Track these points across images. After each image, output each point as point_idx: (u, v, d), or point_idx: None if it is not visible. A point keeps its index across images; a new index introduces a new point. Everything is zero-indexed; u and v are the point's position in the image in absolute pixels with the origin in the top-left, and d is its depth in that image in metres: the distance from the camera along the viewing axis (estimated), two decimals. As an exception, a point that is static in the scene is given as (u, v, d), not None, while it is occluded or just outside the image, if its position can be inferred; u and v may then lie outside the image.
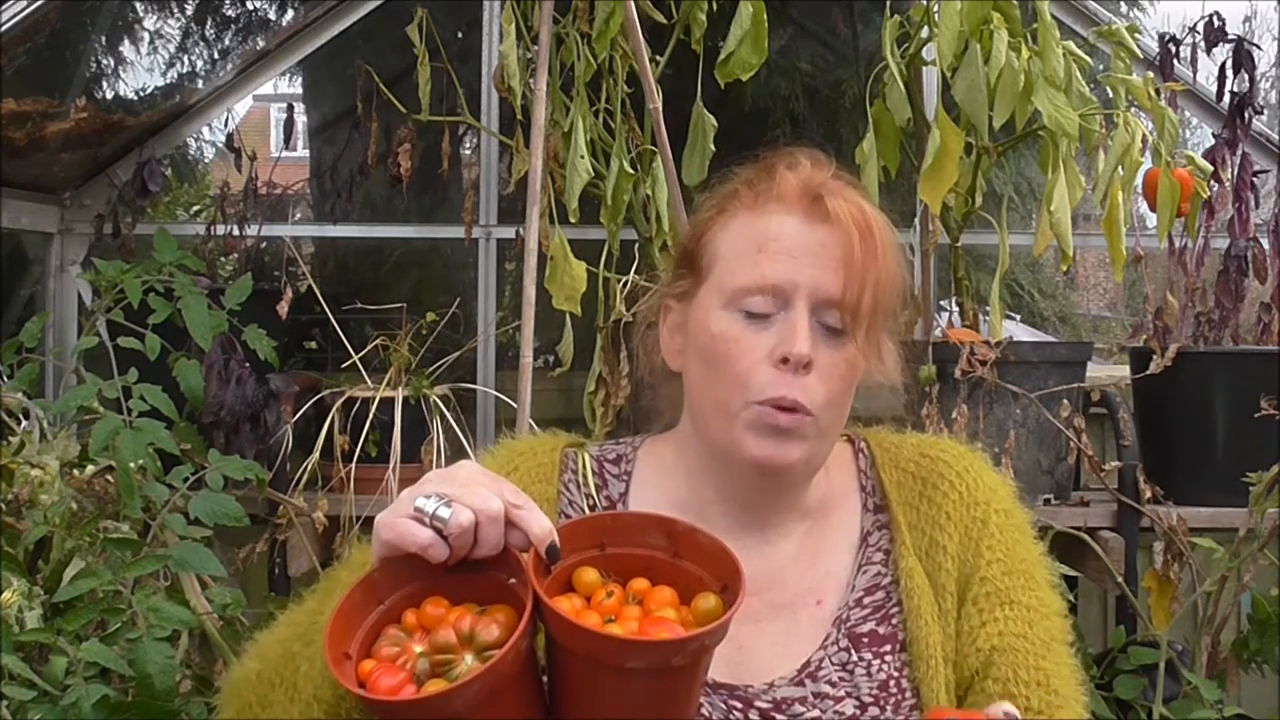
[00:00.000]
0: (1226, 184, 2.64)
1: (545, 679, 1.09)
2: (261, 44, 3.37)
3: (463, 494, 1.05)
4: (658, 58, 2.44)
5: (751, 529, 1.27)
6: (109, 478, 1.98)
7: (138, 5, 3.25)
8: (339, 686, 1.02)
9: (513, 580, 1.05)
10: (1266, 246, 2.63)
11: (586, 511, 1.29)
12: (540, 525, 1.05)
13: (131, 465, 1.91)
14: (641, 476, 1.32)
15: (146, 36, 3.34)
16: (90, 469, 1.99)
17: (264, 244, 3.01)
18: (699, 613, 1.05)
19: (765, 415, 1.19)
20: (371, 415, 2.43)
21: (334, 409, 2.46)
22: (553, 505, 1.28)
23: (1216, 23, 2.65)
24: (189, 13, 3.49)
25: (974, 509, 1.28)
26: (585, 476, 1.31)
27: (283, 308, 2.59)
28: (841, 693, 1.21)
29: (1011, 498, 1.31)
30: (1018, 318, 5.39)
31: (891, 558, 1.27)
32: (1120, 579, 2.34)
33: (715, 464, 1.26)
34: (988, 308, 2.45)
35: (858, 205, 1.23)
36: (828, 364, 1.20)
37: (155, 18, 3.35)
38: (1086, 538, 2.36)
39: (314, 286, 2.63)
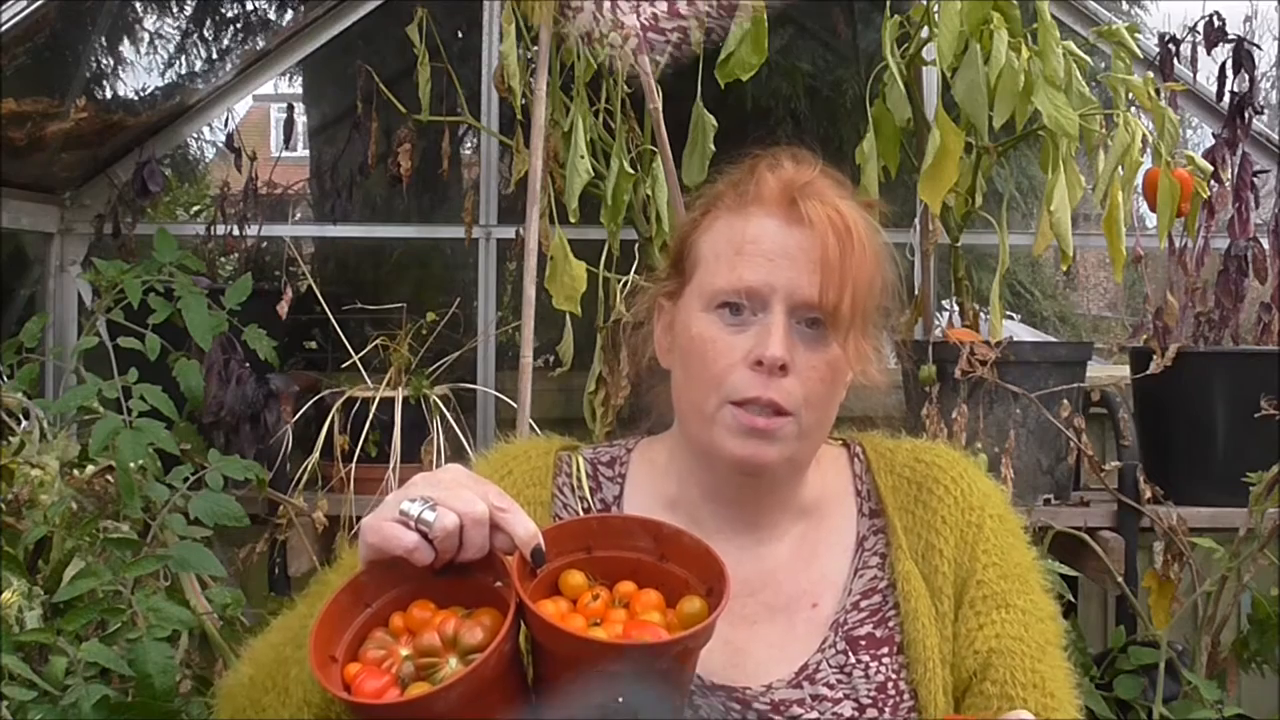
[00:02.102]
0: (1226, 184, 2.64)
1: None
2: (261, 44, 3.37)
3: (447, 497, 1.04)
4: (658, 58, 2.44)
5: (743, 530, 1.27)
6: (109, 478, 1.98)
7: (138, 5, 3.25)
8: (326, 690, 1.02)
9: (499, 583, 1.05)
10: (1266, 246, 2.62)
11: (581, 515, 1.28)
12: (525, 528, 1.05)
13: (131, 465, 1.91)
14: (635, 478, 1.32)
15: (146, 36, 3.33)
16: (90, 469, 1.99)
17: (264, 244, 3.01)
18: (684, 615, 1.05)
19: (741, 417, 1.19)
20: (371, 415, 2.43)
21: (334, 409, 2.46)
22: (547, 509, 1.28)
23: (1216, 23, 2.65)
24: (189, 13, 3.49)
25: (969, 513, 1.28)
26: (579, 480, 1.31)
27: (283, 308, 2.59)
28: (840, 695, 1.21)
29: (1005, 503, 1.32)
30: (1018, 318, 5.39)
31: (888, 561, 1.27)
32: (1120, 579, 2.34)
33: (700, 464, 1.26)
34: (988, 308, 2.44)
35: (835, 207, 1.22)
36: (806, 366, 1.20)
37: (155, 18, 3.34)
38: (1086, 538, 2.36)
39: (314, 286, 2.63)
